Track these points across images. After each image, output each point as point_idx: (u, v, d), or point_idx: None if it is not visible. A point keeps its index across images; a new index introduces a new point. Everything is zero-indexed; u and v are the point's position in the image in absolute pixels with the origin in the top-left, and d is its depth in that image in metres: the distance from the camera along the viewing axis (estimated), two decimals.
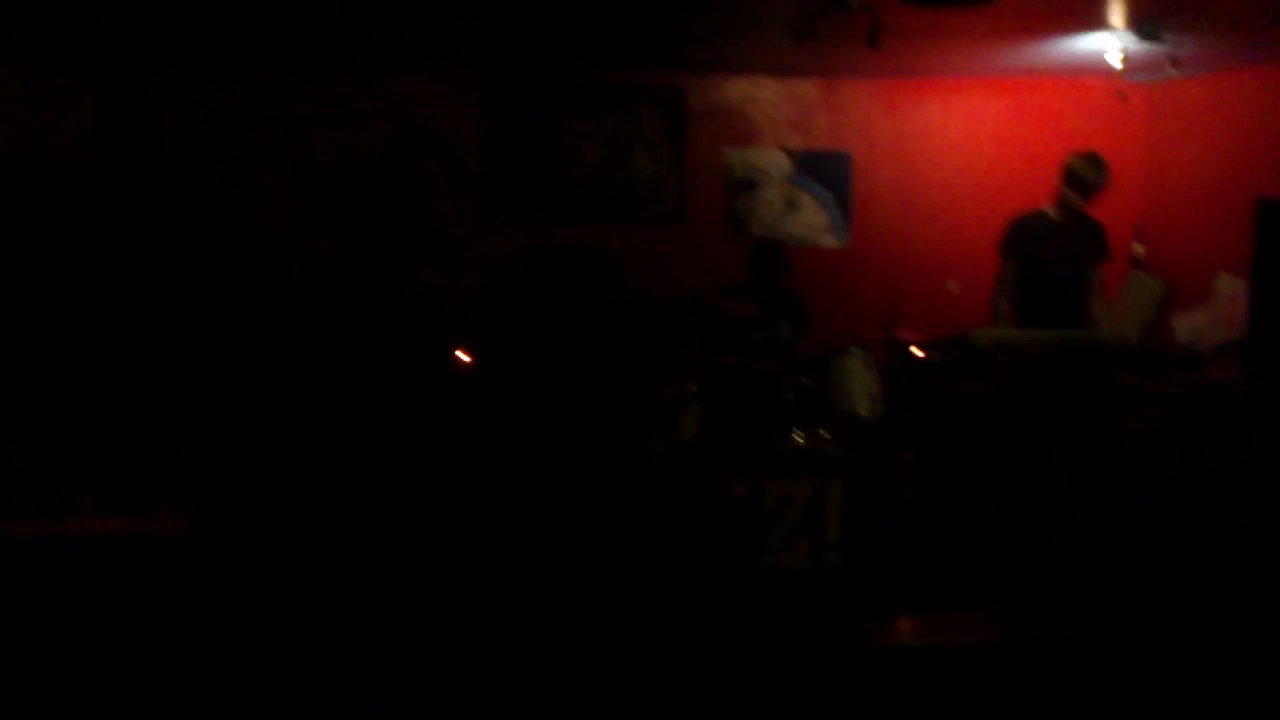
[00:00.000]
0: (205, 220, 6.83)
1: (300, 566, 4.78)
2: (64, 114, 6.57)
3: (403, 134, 6.03)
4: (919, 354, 6.09)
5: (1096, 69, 6.64)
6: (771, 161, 7.57)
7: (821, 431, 5.29)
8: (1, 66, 6.24)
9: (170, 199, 6.82)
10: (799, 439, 5.18)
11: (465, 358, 6.14)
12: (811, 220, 7.60)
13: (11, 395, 5.76)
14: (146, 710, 3.77)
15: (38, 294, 5.99)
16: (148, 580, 4.55)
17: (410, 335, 5.73)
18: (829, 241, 7.63)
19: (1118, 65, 6.16)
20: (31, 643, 4.12)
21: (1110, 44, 6.12)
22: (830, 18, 5.31)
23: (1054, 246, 6.19)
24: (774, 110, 7.60)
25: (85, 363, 5.92)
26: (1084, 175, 6.05)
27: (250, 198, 7.03)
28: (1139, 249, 7.62)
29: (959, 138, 7.71)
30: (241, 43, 6.59)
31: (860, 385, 5.56)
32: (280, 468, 5.55)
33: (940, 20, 5.72)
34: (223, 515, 5.08)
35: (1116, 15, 5.71)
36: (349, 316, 5.69)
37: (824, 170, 7.62)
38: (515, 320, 6.49)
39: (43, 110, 6.47)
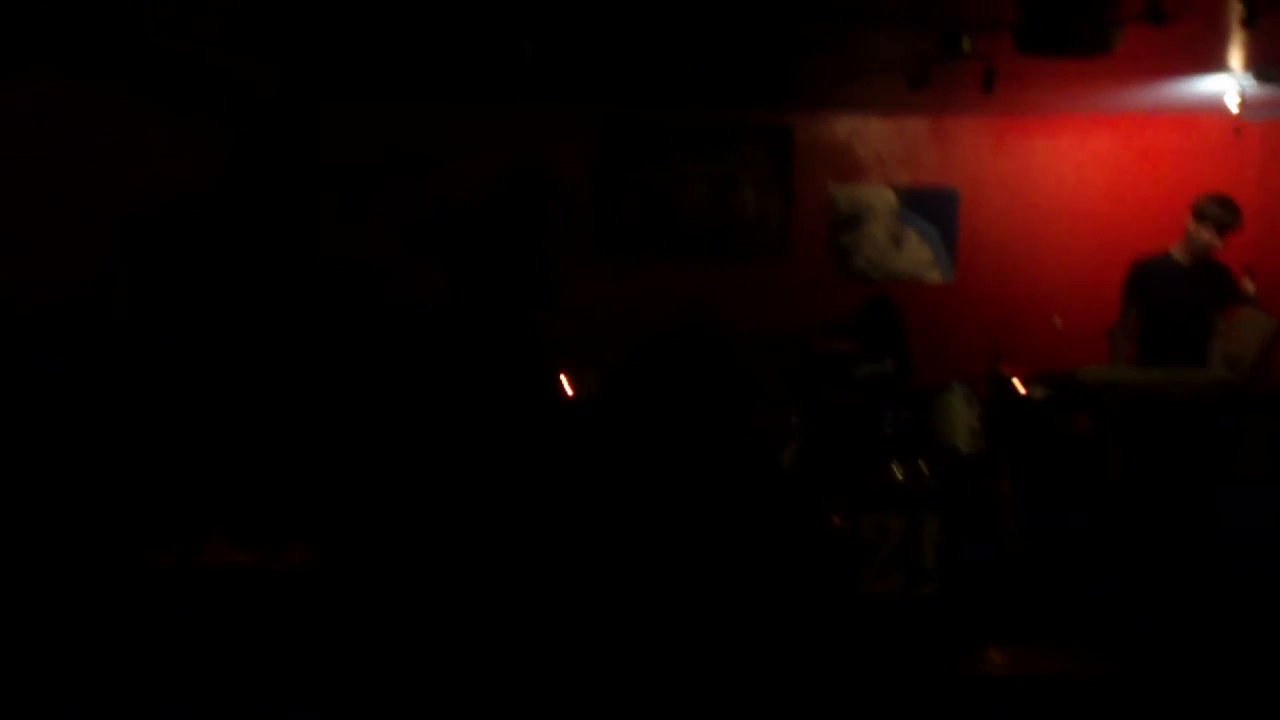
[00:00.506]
0: (323, 260, 7.01)
1: (414, 600, 4.95)
2: (188, 158, 6.77)
3: (515, 173, 6.20)
4: (1021, 389, 6.12)
5: (1210, 107, 6.62)
6: (878, 197, 7.67)
7: (921, 465, 5.36)
8: (128, 111, 6.57)
9: (290, 238, 6.99)
10: (897, 472, 5.25)
11: (569, 387, 6.30)
12: (917, 256, 7.67)
13: (155, 430, 6.07)
14: None
15: (175, 334, 6.30)
16: (274, 610, 4.78)
17: (521, 374, 5.88)
18: (934, 277, 7.69)
19: (1234, 109, 6.14)
20: (165, 664, 4.34)
21: (1228, 86, 6.10)
22: (945, 64, 5.40)
23: (1179, 290, 6.15)
24: (881, 147, 7.70)
25: (221, 400, 6.18)
26: (1218, 215, 6.02)
27: (364, 235, 7.24)
28: (1250, 286, 7.51)
29: (1067, 175, 7.72)
30: (356, 78, 6.80)
31: (961, 421, 5.62)
32: (397, 504, 5.74)
33: (1057, 65, 5.76)
34: (343, 551, 5.29)
35: (1235, 58, 5.71)
36: (462, 355, 5.86)
37: (930, 206, 7.68)
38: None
39: (168, 155, 6.69)
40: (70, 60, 5.82)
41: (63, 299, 6.06)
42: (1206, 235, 6.05)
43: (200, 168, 6.77)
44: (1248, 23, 4.99)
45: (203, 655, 4.38)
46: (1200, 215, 6.06)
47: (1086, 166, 7.70)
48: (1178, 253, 6.19)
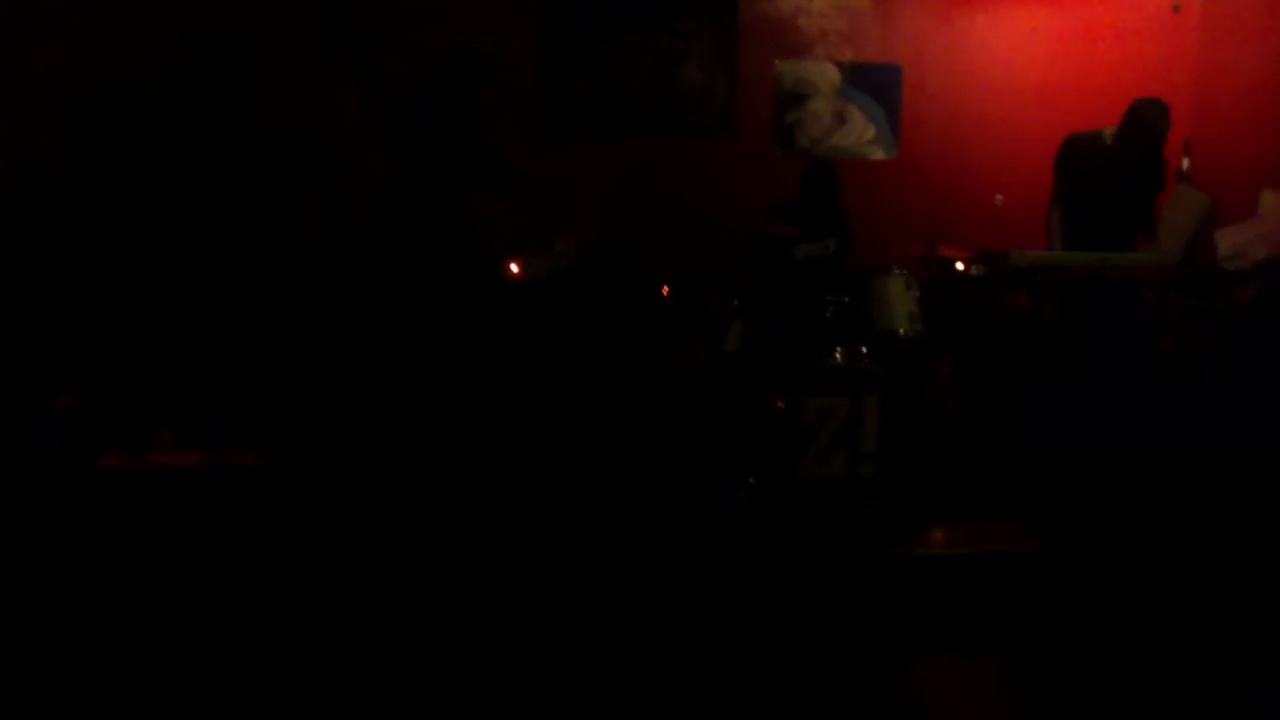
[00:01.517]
0: (268, 146, 6.84)
1: (367, 495, 5.01)
2: (142, 39, 6.62)
3: (455, 59, 6.11)
4: (960, 268, 6.24)
5: None
6: (821, 74, 7.63)
7: (861, 348, 5.48)
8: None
9: (235, 124, 6.82)
10: (838, 356, 5.37)
11: (516, 270, 6.31)
12: (860, 133, 7.68)
13: (103, 331, 6.03)
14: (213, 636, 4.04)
15: (124, 228, 6.21)
16: (224, 511, 4.83)
17: (462, 259, 5.87)
18: (877, 155, 7.71)
19: None
20: (118, 565, 4.41)
21: None
22: None
23: (1106, 171, 6.25)
24: (826, 22, 7.63)
25: (169, 298, 6.15)
26: (1148, 121, 6.08)
27: (309, 118, 6.99)
28: (1186, 163, 7.64)
29: (1011, 51, 7.69)
30: None
31: (900, 305, 5.73)
32: (346, 396, 5.77)
33: None
34: (291, 447, 5.32)
35: None
36: (404, 241, 5.84)
37: (874, 83, 7.66)
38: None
39: (122, 37, 6.56)
40: None
41: (3, 188, 6.00)
42: (1133, 135, 6.10)
43: (144, 52, 6.59)
44: None
45: (154, 556, 4.46)
46: (1132, 114, 6.11)
47: (1029, 43, 7.68)
48: (1109, 136, 6.27)
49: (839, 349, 5.38)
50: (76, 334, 6.17)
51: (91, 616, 4.10)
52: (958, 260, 6.25)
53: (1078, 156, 6.32)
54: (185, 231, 6.32)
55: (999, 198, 7.58)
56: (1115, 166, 6.23)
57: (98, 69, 6.49)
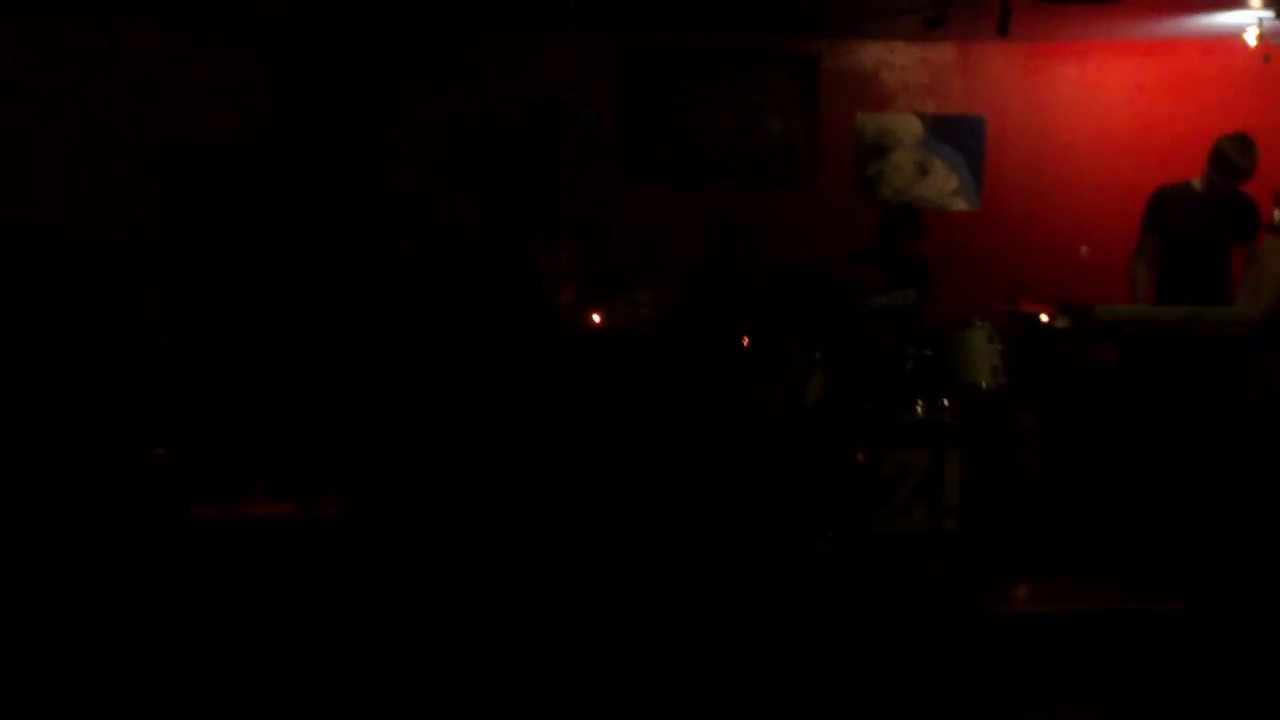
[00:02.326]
0: (355, 196, 7.01)
1: (449, 546, 5.06)
2: (222, 95, 6.82)
3: (534, 109, 6.22)
4: (1044, 320, 6.19)
5: (1238, 34, 6.57)
6: (904, 126, 7.66)
7: (943, 401, 5.45)
8: (161, 48, 6.60)
9: (328, 173, 7.00)
10: (919, 409, 5.34)
11: (598, 319, 6.38)
12: (943, 184, 7.68)
13: (197, 383, 6.18)
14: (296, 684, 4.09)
15: (218, 277, 6.38)
16: (313, 561, 4.90)
17: (534, 307, 5.91)
18: (960, 205, 7.70)
19: (1253, 42, 6.11)
20: (208, 617, 4.45)
21: (1249, 20, 6.08)
22: (962, 5, 5.39)
23: (1198, 221, 6.15)
24: (908, 75, 7.67)
25: (261, 349, 6.29)
26: (1232, 158, 5.99)
27: (396, 166, 7.17)
28: (1278, 214, 7.50)
29: (1095, 102, 7.66)
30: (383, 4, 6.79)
31: (982, 358, 5.68)
32: (428, 446, 5.84)
33: (1073, 9, 5.75)
34: (378, 499, 5.40)
35: None
36: (479, 289, 5.90)
37: (957, 135, 7.67)
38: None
39: (203, 93, 6.77)
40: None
41: (101, 242, 6.18)
42: (1217, 177, 6.03)
43: (234, 105, 6.81)
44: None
45: (244, 607, 4.54)
46: (1216, 154, 6.03)
47: (1115, 93, 7.64)
48: (1197, 183, 6.19)
49: (920, 401, 5.36)
50: (171, 386, 6.32)
51: (181, 666, 4.18)
52: (1041, 313, 6.20)
53: (1168, 208, 6.23)
54: (276, 281, 6.47)
55: (1084, 249, 7.53)
56: (1206, 214, 6.13)
57: (191, 119, 6.70)
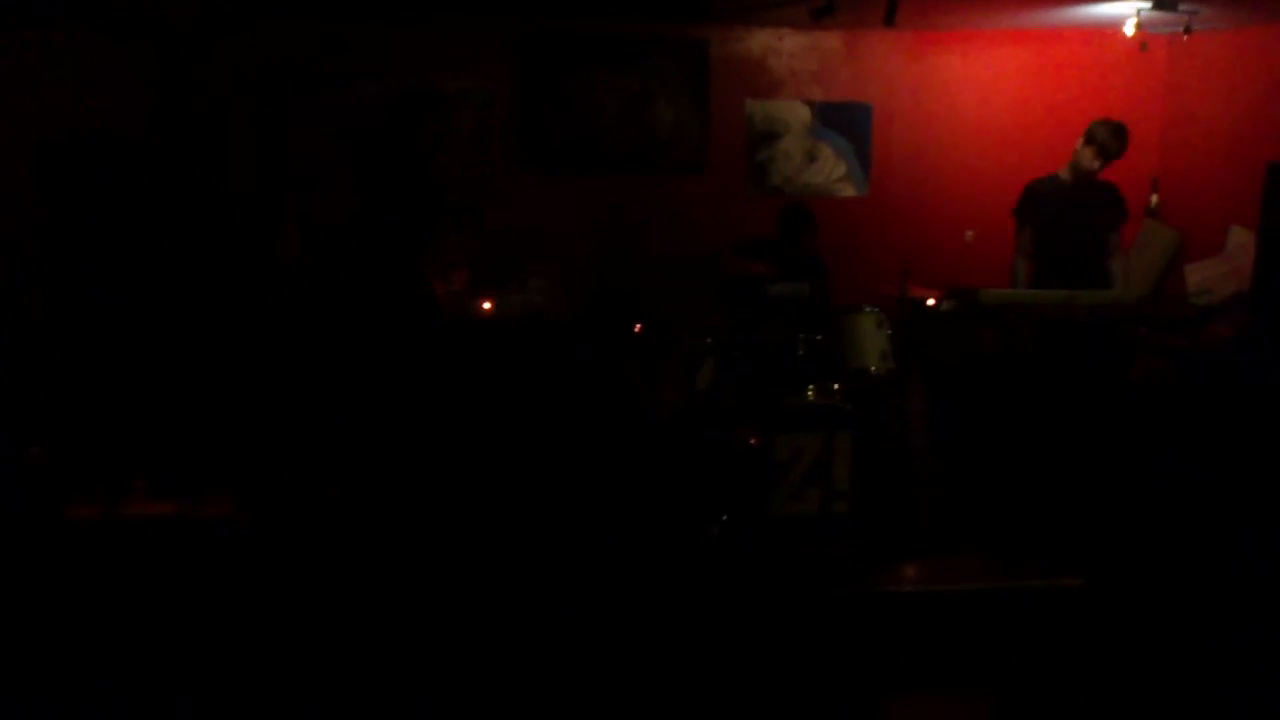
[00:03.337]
0: (243, 190, 6.87)
1: (339, 539, 4.97)
2: (105, 84, 6.61)
3: (403, 97, 6.14)
4: (931, 305, 6.27)
5: (1117, 24, 6.72)
6: (792, 113, 7.69)
7: (834, 386, 5.48)
8: (41, 41, 6.37)
9: (208, 167, 6.82)
10: (810, 394, 5.37)
11: (488, 307, 6.31)
12: (830, 171, 7.74)
13: (75, 381, 5.97)
14: (178, 686, 3.99)
15: (96, 275, 6.16)
16: (195, 562, 4.76)
17: (418, 296, 5.82)
18: (847, 191, 7.77)
19: (1131, 32, 6.25)
20: (87, 616, 4.34)
21: (1127, 11, 6.22)
22: None
23: (1069, 211, 6.29)
24: (796, 62, 7.70)
25: (141, 347, 6.08)
26: (1106, 143, 6.13)
27: (283, 162, 7.03)
28: (1154, 199, 7.72)
29: (980, 89, 7.79)
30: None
31: (872, 342, 5.74)
32: (313, 441, 5.73)
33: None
34: (265, 500, 5.27)
35: None
36: (361, 279, 5.79)
37: (845, 121, 7.73)
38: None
39: (84, 82, 6.54)
40: None
41: None
42: (1087, 159, 6.18)
43: (114, 96, 6.60)
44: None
45: (127, 607, 4.40)
46: (1088, 138, 6.18)
47: (998, 81, 7.78)
48: (1064, 173, 6.33)
49: (811, 387, 5.38)
50: (48, 384, 6.12)
51: (59, 667, 4.04)
52: (929, 298, 6.28)
53: (1039, 200, 6.36)
54: (156, 277, 6.29)
55: (969, 234, 7.66)
56: (1076, 202, 6.27)
57: (68, 114, 6.47)
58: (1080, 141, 6.19)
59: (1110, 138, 6.12)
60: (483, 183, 7.22)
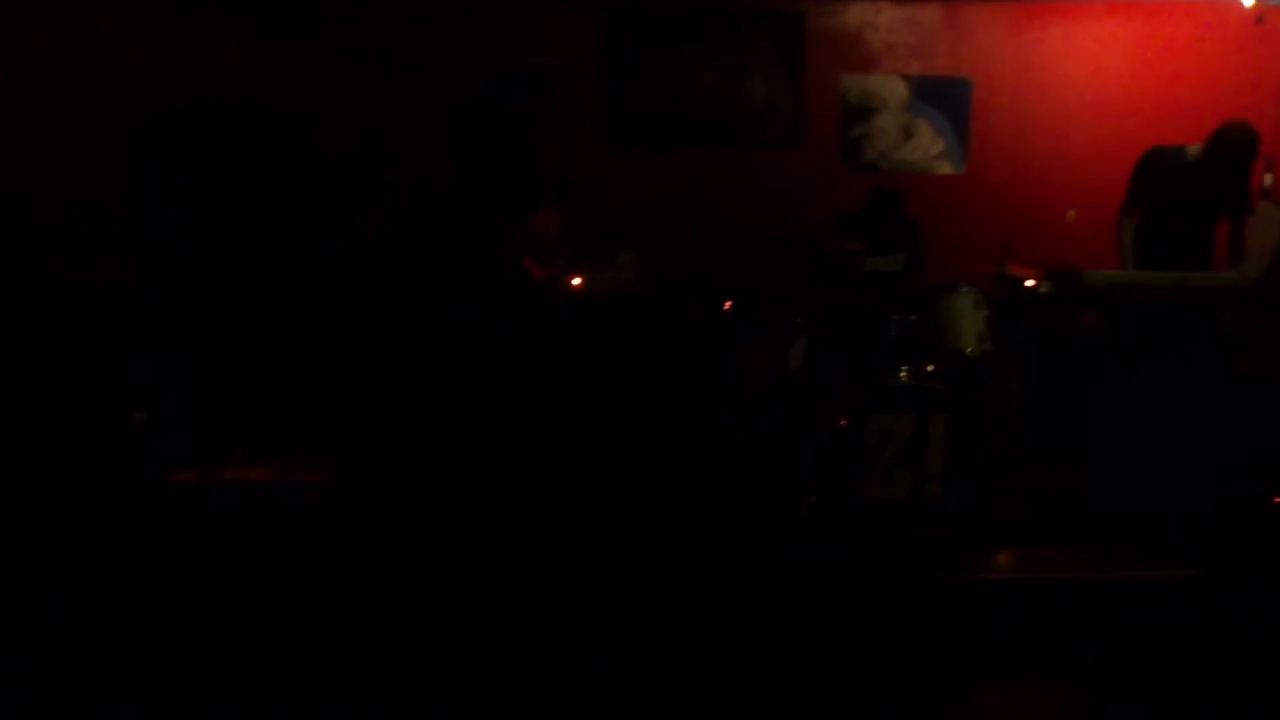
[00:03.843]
0: (335, 162, 6.89)
1: (430, 511, 4.99)
2: (205, 54, 6.68)
3: (499, 74, 6.10)
4: (1030, 285, 6.09)
5: None
6: (888, 88, 7.53)
7: (928, 367, 5.36)
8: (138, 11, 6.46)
9: (308, 133, 6.85)
10: (904, 374, 5.25)
11: (578, 283, 6.25)
12: (927, 147, 7.56)
13: (178, 348, 6.08)
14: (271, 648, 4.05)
15: (193, 242, 6.26)
16: (296, 525, 4.85)
17: (508, 273, 5.80)
18: (944, 169, 7.59)
19: (1249, 3, 5.99)
20: (191, 582, 4.43)
21: None
22: None
23: (1189, 188, 6.05)
24: (893, 35, 7.53)
25: (238, 316, 6.18)
26: (1238, 143, 5.86)
27: (383, 131, 7.04)
28: (1269, 179, 7.42)
29: (1085, 64, 7.55)
30: None
31: (968, 324, 5.59)
32: (410, 413, 5.76)
33: None
34: (355, 467, 5.33)
35: None
36: (452, 254, 5.79)
37: (943, 97, 7.55)
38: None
39: (185, 51, 6.61)
40: None
41: (75, 205, 6.04)
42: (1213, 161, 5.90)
43: (207, 65, 6.66)
44: None
45: (227, 573, 4.47)
46: (1219, 139, 5.89)
47: (1105, 55, 7.53)
48: (1194, 152, 6.07)
49: (905, 368, 5.27)
50: (152, 351, 6.23)
51: (159, 628, 4.12)
52: (1028, 278, 6.10)
53: (1159, 169, 6.12)
54: (252, 245, 6.36)
55: (1071, 214, 7.44)
56: (1196, 184, 6.02)
57: (162, 83, 6.54)
58: (1211, 139, 5.92)
59: (1243, 138, 5.86)
60: (575, 160, 7.18)
